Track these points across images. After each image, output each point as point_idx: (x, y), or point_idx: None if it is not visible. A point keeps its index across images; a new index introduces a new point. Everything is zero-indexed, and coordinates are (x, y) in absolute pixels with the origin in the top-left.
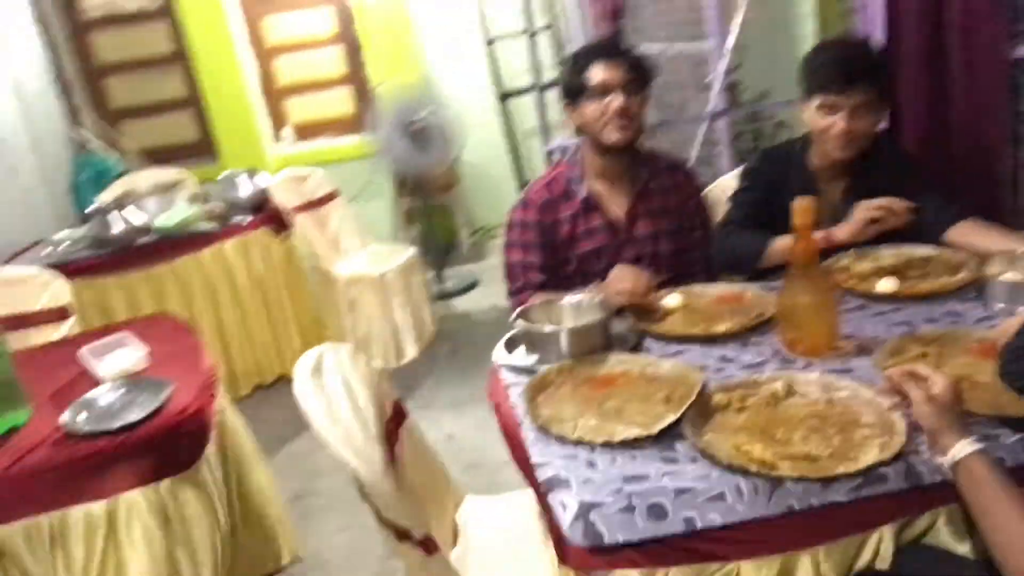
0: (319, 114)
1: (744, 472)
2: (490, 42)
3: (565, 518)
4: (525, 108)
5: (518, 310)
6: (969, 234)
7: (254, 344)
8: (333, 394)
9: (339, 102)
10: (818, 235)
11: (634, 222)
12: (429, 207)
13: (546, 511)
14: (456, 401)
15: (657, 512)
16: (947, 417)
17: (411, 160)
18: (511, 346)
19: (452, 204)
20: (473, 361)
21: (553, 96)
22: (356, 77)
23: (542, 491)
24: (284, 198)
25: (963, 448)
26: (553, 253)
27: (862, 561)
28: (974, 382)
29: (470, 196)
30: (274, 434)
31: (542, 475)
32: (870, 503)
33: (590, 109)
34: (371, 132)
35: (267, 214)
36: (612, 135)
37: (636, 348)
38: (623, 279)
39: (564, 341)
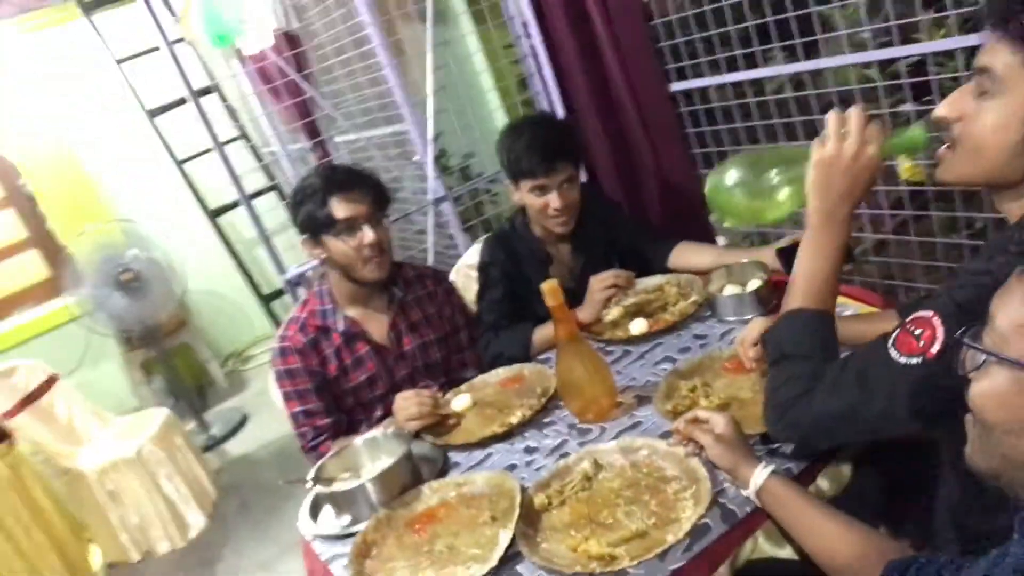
0: (6, 288)
1: None
2: (181, 163)
3: None
4: (242, 218)
5: (312, 471)
6: (685, 256)
7: None
8: None
9: (27, 269)
10: None
11: (399, 340)
12: (167, 352)
13: None
14: (264, 562)
15: None
16: (737, 451)
17: (131, 311)
18: (315, 510)
19: (191, 340)
20: (268, 510)
21: (263, 203)
22: (40, 237)
23: None
24: None
25: (759, 476)
26: (330, 392)
27: None
28: (740, 401)
29: (209, 325)
30: None
31: None
32: (703, 555)
33: (339, 246)
34: (74, 291)
35: None
36: (370, 272)
37: (444, 468)
38: (408, 406)
39: (372, 491)
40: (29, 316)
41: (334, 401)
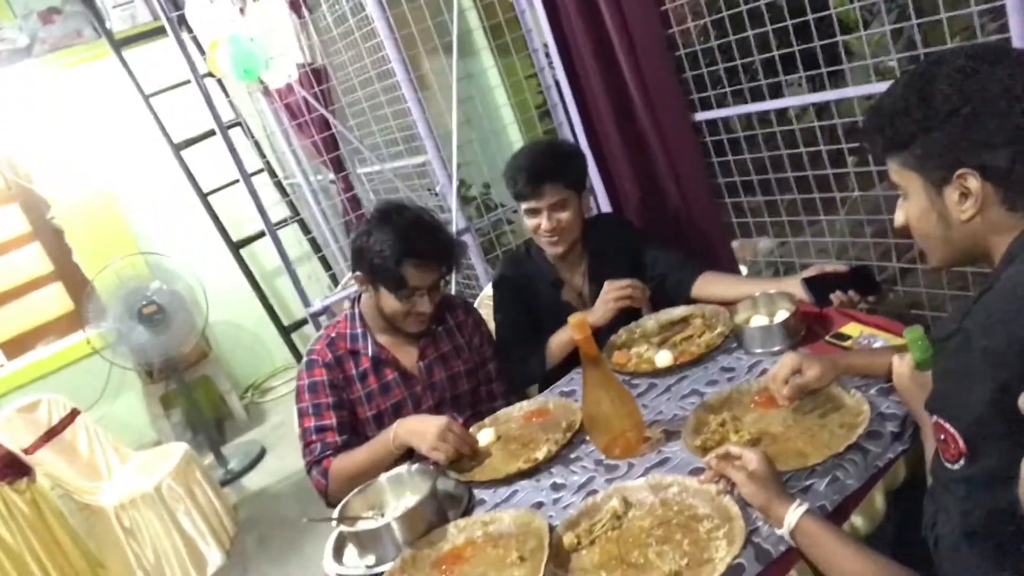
0: (30, 321)
1: None
2: (206, 196)
3: None
4: (264, 249)
5: (337, 510)
6: (709, 286)
7: None
8: None
9: (51, 302)
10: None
11: (429, 370)
12: (186, 385)
13: None
14: None
15: None
16: (771, 489)
17: (153, 344)
18: (339, 549)
19: (210, 372)
20: (288, 545)
21: (283, 236)
22: (66, 270)
23: None
24: (13, 439)
25: (792, 515)
26: (350, 412)
27: None
28: (772, 435)
29: (229, 357)
30: None
31: None
32: None
33: (392, 303)
34: (96, 325)
35: None
36: (410, 328)
37: (470, 506)
38: (444, 435)
39: (397, 530)
40: (52, 349)
41: (355, 430)
